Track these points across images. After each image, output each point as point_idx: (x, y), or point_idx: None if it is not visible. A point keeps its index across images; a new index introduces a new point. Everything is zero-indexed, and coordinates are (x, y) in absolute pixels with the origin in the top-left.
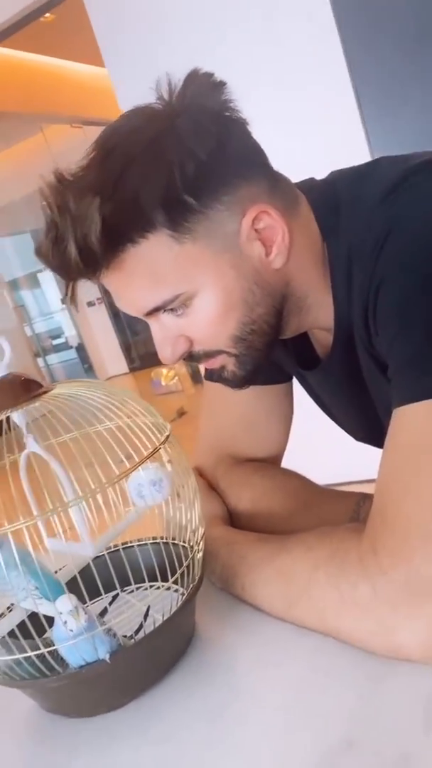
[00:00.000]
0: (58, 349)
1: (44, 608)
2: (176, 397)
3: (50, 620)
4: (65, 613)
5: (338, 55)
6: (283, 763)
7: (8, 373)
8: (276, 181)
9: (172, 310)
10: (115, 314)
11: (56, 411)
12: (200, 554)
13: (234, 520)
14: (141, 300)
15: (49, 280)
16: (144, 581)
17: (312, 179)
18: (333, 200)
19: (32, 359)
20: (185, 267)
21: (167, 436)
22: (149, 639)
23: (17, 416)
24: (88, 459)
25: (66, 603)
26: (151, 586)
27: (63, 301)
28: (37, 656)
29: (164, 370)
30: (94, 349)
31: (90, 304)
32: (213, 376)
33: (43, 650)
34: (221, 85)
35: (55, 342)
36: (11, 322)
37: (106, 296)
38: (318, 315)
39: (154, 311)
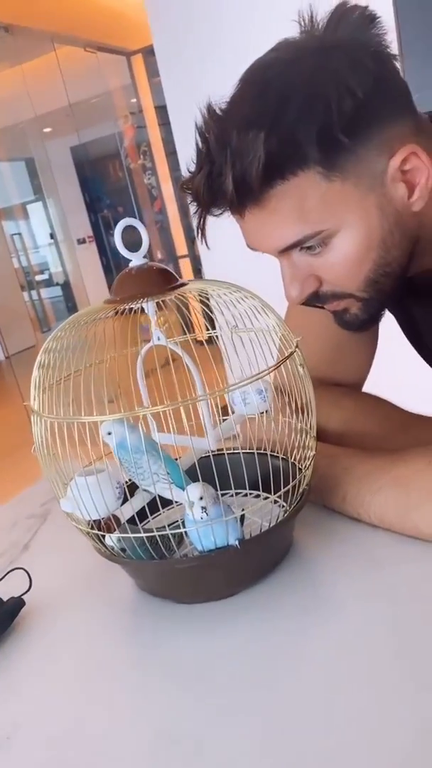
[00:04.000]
0: (41, 284)
1: (176, 493)
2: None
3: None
4: (205, 498)
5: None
6: (380, 664)
7: (145, 263)
8: (419, 121)
9: (308, 248)
10: (104, 253)
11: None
12: (308, 474)
13: (321, 440)
14: (281, 236)
15: (37, 212)
16: (242, 488)
17: None
18: None
19: (19, 292)
20: (331, 205)
21: (296, 347)
22: (272, 533)
23: (149, 307)
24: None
25: (203, 488)
26: (248, 494)
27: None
28: (160, 538)
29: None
30: (80, 288)
31: (80, 241)
32: (341, 317)
33: (182, 530)
34: (374, 19)
35: (39, 278)
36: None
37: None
38: None
39: (292, 248)
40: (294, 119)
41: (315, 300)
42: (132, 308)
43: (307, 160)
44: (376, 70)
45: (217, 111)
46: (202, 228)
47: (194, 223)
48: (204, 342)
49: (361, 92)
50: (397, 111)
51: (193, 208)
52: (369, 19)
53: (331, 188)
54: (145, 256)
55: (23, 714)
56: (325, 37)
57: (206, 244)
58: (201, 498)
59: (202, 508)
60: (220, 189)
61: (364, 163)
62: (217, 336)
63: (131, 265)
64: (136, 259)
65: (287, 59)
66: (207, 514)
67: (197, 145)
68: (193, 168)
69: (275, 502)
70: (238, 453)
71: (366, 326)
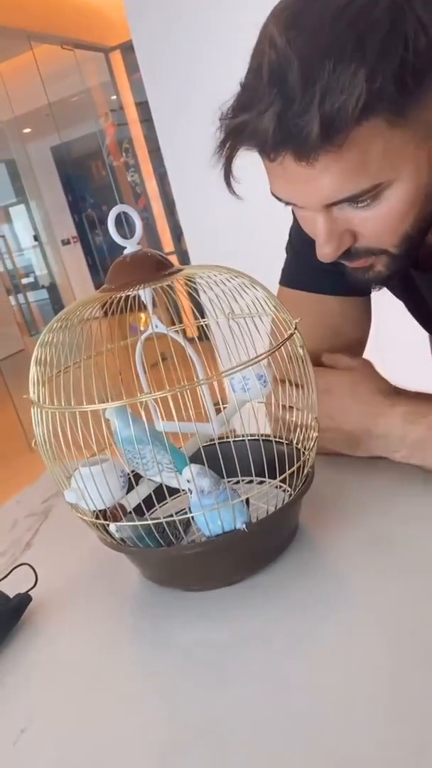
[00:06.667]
0: (27, 288)
1: (176, 481)
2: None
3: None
4: (199, 478)
5: None
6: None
7: (139, 249)
8: None
9: (356, 201)
10: (89, 253)
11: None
12: (312, 456)
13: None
14: (337, 189)
15: (20, 214)
16: (249, 475)
17: None
18: None
19: (5, 296)
20: (392, 155)
21: (295, 328)
22: (278, 515)
23: (145, 294)
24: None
25: (199, 469)
26: (251, 481)
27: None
28: (165, 526)
29: (143, 315)
30: (67, 289)
31: (65, 242)
32: (362, 274)
33: (189, 515)
34: None
35: (25, 281)
36: None
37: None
38: None
39: (343, 202)
40: (376, 55)
41: (345, 257)
42: (120, 306)
43: (381, 103)
44: None
45: (285, 42)
46: (228, 171)
47: (220, 166)
48: (195, 338)
49: None
50: None
51: (220, 150)
52: None
53: (394, 137)
54: (138, 243)
55: (35, 708)
56: None
57: (233, 191)
58: (191, 479)
59: (195, 489)
60: (301, 128)
61: (423, 111)
62: (207, 325)
63: (126, 252)
64: (130, 247)
65: None
66: (197, 493)
67: (259, 78)
68: (234, 105)
69: (280, 487)
70: (243, 440)
71: (385, 284)
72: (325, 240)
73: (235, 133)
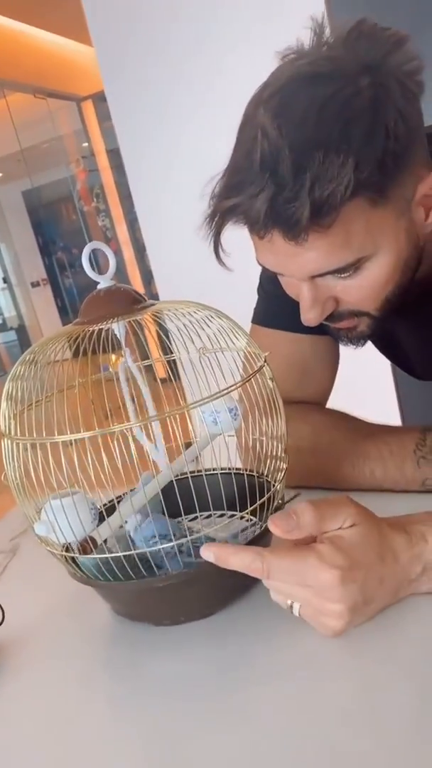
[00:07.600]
0: None
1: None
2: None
3: None
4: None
5: None
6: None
7: (113, 284)
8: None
9: (339, 272)
10: (59, 295)
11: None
12: (280, 486)
13: (294, 454)
14: (323, 263)
15: None
16: (219, 509)
17: None
18: None
19: None
20: (374, 230)
21: (265, 361)
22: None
23: (117, 328)
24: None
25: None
26: (223, 515)
27: (216, 255)
28: (132, 560)
29: (113, 357)
30: (36, 331)
31: (34, 284)
32: (346, 333)
33: (159, 547)
34: (404, 41)
35: None
36: None
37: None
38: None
39: (328, 274)
40: (361, 142)
41: (329, 320)
42: (93, 345)
43: (364, 185)
44: (417, 94)
45: (277, 129)
46: (218, 246)
47: (209, 240)
48: (170, 373)
49: (410, 117)
50: (422, 136)
51: (209, 224)
52: (398, 41)
53: (375, 215)
54: (112, 279)
55: (2, 748)
56: (363, 58)
57: (222, 263)
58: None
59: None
60: (287, 214)
61: (401, 189)
62: (177, 360)
63: (99, 287)
64: (103, 282)
65: (339, 74)
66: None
67: (250, 162)
68: (225, 186)
69: (249, 519)
70: (215, 473)
71: (366, 341)
72: (310, 307)
73: (226, 214)
